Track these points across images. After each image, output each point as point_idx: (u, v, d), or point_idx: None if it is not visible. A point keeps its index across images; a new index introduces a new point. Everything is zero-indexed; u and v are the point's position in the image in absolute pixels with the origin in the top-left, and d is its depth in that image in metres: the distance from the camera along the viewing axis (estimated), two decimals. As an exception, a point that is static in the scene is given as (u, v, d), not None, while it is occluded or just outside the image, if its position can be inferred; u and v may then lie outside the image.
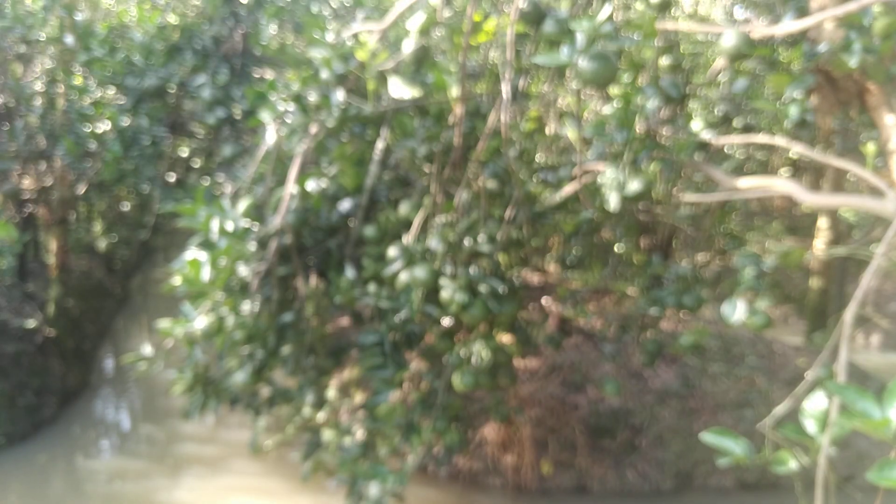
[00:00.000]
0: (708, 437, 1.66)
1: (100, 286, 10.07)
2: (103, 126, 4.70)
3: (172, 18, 4.46)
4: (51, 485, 5.36)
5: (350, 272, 3.04)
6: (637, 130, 2.52)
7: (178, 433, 6.17)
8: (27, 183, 7.06)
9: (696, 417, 5.68)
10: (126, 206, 9.81)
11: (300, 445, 4.29)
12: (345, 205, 3.26)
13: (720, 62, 2.80)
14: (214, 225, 2.70)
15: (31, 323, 6.91)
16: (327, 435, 3.50)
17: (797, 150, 2.59)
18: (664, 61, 2.95)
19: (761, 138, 3.05)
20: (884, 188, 1.95)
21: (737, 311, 2.46)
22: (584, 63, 2.03)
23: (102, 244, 9.45)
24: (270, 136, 2.94)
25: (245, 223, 2.80)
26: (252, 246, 2.87)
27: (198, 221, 2.71)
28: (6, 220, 6.32)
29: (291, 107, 2.81)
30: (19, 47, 6.12)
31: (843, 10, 2.13)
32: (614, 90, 2.92)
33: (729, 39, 2.30)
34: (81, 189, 7.35)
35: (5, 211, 6.77)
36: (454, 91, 2.77)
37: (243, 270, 2.89)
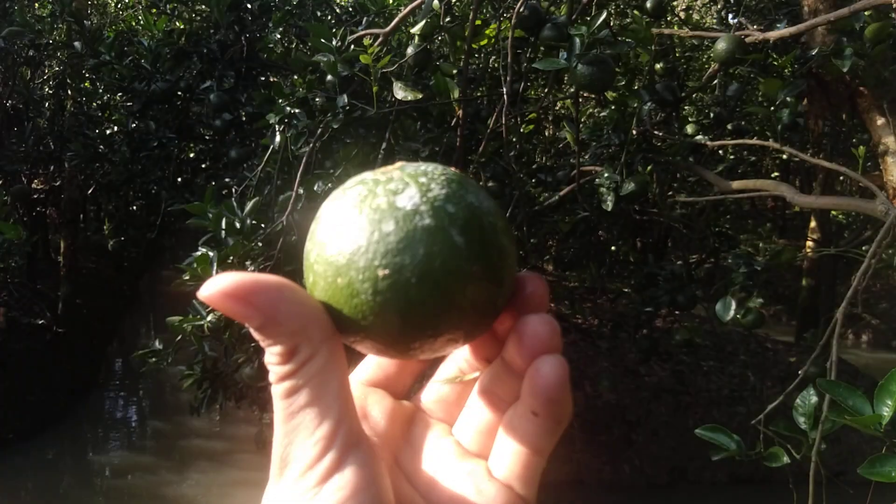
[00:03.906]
0: (702, 432, 1.68)
1: (108, 285, 10.18)
2: (112, 129, 4.78)
3: (179, 24, 4.55)
4: (59, 480, 5.45)
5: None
6: (633, 133, 2.58)
7: (184, 428, 6.25)
8: (36, 184, 7.17)
9: (690, 413, 5.75)
10: (134, 207, 9.90)
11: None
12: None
13: (714, 67, 2.87)
14: (223, 223, 2.77)
15: (40, 321, 7.00)
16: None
17: (789, 152, 2.64)
18: (659, 66, 3.02)
19: (754, 141, 3.13)
20: (874, 189, 1.97)
21: (730, 310, 2.50)
22: (581, 67, 2.05)
23: (111, 244, 9.52)
24: (277, 138, 3.01)
25: (253, 222, 2.87)
26: (259, 244, 2.95)
27: (207, 220, 2.79)
28: (15, 220, 6.42)
29: (297, 109, 2.88)
30: (28, 52, 6.22)
31: (836, 16, 2.17)
32: (611, 94, 2.99)
33: (723, 45, 2.32)
34: (90, 190, 7.45)
35: (15, 211, 6.86)
36: (455, 94, 2.83)
37: (251, 268, 2.97)
